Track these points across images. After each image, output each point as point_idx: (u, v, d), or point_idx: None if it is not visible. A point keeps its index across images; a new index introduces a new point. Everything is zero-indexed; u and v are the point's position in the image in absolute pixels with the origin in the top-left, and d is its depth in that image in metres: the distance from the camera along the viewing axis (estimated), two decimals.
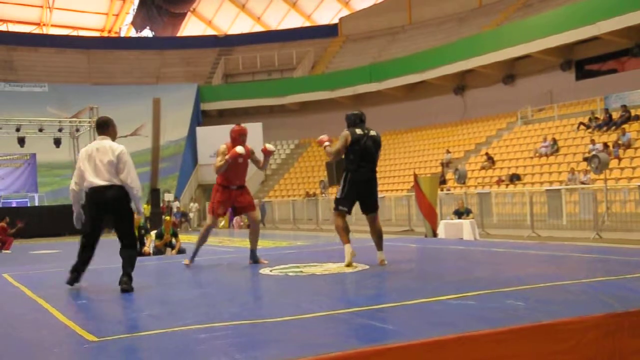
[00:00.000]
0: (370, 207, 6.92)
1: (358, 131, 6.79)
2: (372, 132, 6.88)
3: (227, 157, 7.23)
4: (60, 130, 26.73)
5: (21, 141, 25.82)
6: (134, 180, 5.67)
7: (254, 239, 7.61)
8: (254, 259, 7.49)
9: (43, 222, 24.34)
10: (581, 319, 3.65)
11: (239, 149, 7.20)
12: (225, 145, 7.36)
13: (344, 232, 6.84)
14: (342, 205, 6.92)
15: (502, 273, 6.15)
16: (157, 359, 3.19)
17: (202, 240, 7.73)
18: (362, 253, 7.03)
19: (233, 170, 7.42)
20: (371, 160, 6.84)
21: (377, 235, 6.96)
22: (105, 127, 5.88)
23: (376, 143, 6.89)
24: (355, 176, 6.83)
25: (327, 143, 7.16)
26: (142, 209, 5.93)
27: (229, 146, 7.34)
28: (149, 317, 4.50)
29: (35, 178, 31.63)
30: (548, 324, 3.57)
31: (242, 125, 7.54)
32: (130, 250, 5.73)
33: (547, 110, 25.50)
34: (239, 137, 7.37)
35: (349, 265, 6.58)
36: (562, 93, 25.48)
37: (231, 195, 7.49)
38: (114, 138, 5.92)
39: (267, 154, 7.65)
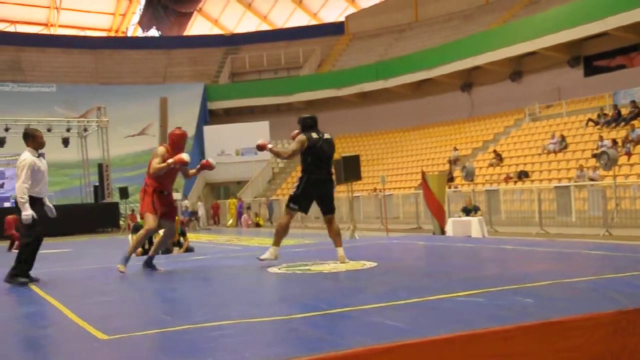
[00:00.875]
0: (330, 208, 7.03)
1: (314, 135, 6.88)
2: (327, 136, 6.99)
3: (170, 161, 6.88)
4: (68, 130, 26.85)
5: None
6: (17, 189, 6.45)
7: (160, 246, 7.63)
8: (150, 265, 7.19)
9: (52, 221, 24.41)
10: (590, 316, 3.64)
11: (186, 156, 6.96)
12: (164, 148, 7.03)
13: (283, 234, 6.99)
14: (294, 203, 6.92)
15: (511, 270, 6.14)
16: (166, 356, 3.20)
17: (139, 245, 7.39)
18: (369, 250, 7.03)
19: (170, 176, 7.20)
20: (327, 162, 6.98)
21: (337, 234, 6.99)
22: (25, 138, 6.65)
23: (331, 146, 7.03)
24: (313, 178, 6.87)
25: (270, 145, 7.17)
26: (25, 213, 6.33)
27: (168, 150, 7.03)
28: (158, 315, 4.52)
29: None
30: (557, 321, 3.56)
31: (183, 130, 7.32)
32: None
33: (555, 106, 25.39)
34: (180, 142, 7.11)
35: (262, 260, 6.90)
36: (571, 89, 25.36)
37: (166, 201, 7.20)
38: (35, 148, 6.63)
39: (205, 167, 7.45)
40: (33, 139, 6.62)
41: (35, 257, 6.68)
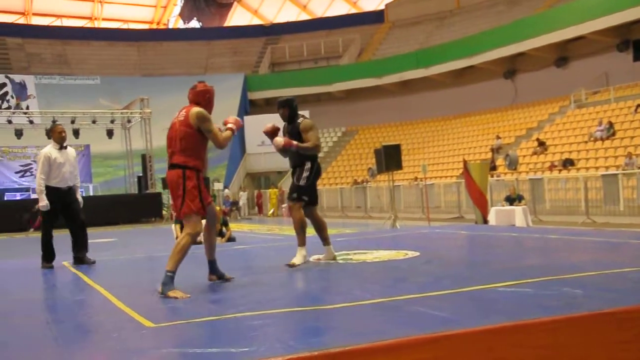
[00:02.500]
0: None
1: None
2: None
3: (231, 126, 5.28)
4: (112, 121, 27.36)
5: (76, 133, 26.53)
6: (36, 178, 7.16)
7: (212, 241, 5.73)
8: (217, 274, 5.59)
9: (98, 211, 25.00)
10: None
11: (238, 120, 5.44)
12: (203, 110, 5.09)
13: (303, 230, 6.27)
14: (306, 195, 6.26)
15: (557, 260, 6.01)
16: (212, 344, 3.23)
17: (183, 257, 5.06)
18: (410, 240, 6.97)
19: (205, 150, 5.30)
20: None
21: (324, 228, 6.42)
22: (48, 133, 7.19)
23: None
24: (317, 165, 6.39)
25: (294, 142, 6.17)
26: (40, 203, 7.10)
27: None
28: (203, 304, 4.57)
29: (90, 169, 32.48)
30: (609, 312, 3.47)
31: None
32: None
33: (603, 93, 24.72)
34: (213, 100, 5.35)
35: (294, 265, 6.08)
36: (619, 75, 24.64)
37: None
38: (55, 141, 7.22)
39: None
40: (53, 133, 7.34)
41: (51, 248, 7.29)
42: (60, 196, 7.08)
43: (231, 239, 12.47)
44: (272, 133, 6.32)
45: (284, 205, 28.65)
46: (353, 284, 5.07)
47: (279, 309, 4.02)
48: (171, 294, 4.69)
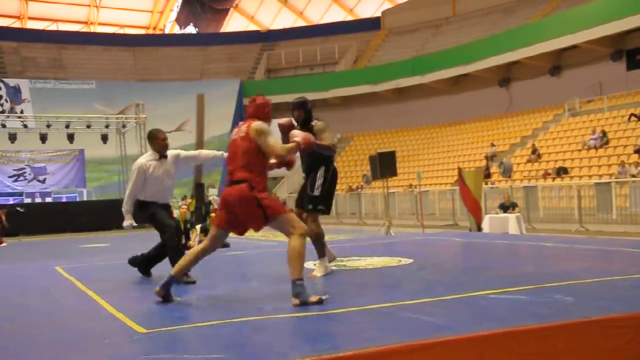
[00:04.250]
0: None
1: None
2: None
3: (298, 139, 4.91)
4: (107, 126, 27.31)
5: (70, 137, 26.48)
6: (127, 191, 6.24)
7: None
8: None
9: (92, 216, 24.95)
10: (634, 315, 3.55)
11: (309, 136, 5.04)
12: (264, 124, 4.89)
13: (320, 241, 5.83)
14: (322, 204, 5.85)
15: (550, 268, 6.03)
16: (205, 351, 3.23)
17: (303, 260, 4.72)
18: (404, 247, 6.98)
19: None
20: None
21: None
22: (148, 140, 6.32)
23: None
24: (334, 168, 5.99)
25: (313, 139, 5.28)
26: (125, 223, 6.19)
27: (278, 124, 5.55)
28: (196, 310, 4.57)
29: (84, 173, 32.42)
30: (599, 319, 3.49)
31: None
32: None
33: (596, 101, 24.85)
34: (271, 113, 5.09)
35: (318, 277, 5.71)
36: (612, 84, 24.78)
37: None
38: (154, 149, 6.22)
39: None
40: (154, 140, 6.22)
41: (159, 260, 6.39)
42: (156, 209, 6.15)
43: (225, 245, 12.45)
44: (288, 127, 5.73)
45: None
46: (347, 290, 5.08)
47: (273, 315, 4.02)
48: (312, 299, 4.36)
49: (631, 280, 4.82)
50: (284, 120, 5.86)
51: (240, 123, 4.99)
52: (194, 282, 5.75)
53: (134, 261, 6.49)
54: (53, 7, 43.42)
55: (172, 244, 6.10)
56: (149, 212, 6.13)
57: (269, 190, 4.83)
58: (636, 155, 18.61)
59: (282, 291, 5.31)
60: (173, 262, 5.59)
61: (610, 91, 24.57)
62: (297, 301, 4.37)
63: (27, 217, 23.88)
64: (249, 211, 4.68)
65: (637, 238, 12.35)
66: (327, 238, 6.18)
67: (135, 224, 6.17)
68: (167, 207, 6.34)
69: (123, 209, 6.16)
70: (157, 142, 6.20)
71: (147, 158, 6.19)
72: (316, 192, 5.85)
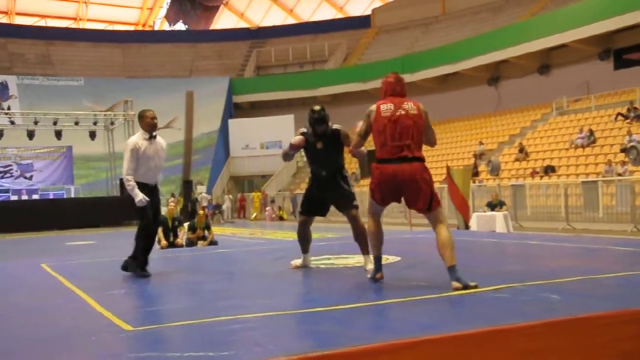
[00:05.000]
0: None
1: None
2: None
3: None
4: (95, 123, 27.18)
5: (58, 134, 26.33)
6: (123, 172, 6.07)
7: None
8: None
9: (79, 214, 24.82)
10: (619, 313, 3.58)
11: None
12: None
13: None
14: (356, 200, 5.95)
15: (537, 266, 6.07)
16: (191, 348, 3.22)
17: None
18: (392, 245, 7.00)
19: None
20: None
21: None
22: (138, 119, 6.33)
23: None
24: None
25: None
26: (137, 196, 5.98)
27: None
28: (183, 308, 4.56)
29: (72, 170, 32.23)
30: (584, 317, 3.51)
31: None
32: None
33: (584, 100, 25.02)
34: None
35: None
36: (600, 83, 24.95)
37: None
38: (143, 128, 6.24)
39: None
40: (143, 120, 6.25)
41: (149, 249, 6.29)
42: (147, 194, 6.09)
43: (213, 243, 12.44)
44: (299, 146, 6.00)
45: (267, 209, 28.63)
46: (334, 288, 5.09)
47: (259, 313, 4.02)
48: (471, 283, 4.53)
49: (617, 278, 4.86)
50: (298, 140, 5.94)
51: (396, 101, 4.94)
52: (149, 276, 5.98)
53: (126, 267, 6.36)
54: (41, 3, 43.13)
55: (143, 233, 6.14)
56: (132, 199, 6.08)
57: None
58: (622, 154, 18.75)
59: (269, 289, 5.31)
60: (140, 250, 6.02)
61: (597, 90, 24.74)
62: (459, 284, 4.47)
63: (13, 214, 23.73)
64: (423, 190, 4.76)
65: (622, 236, 12.47)
66: (317, 236, 6.19)
67: (147, 199, 6.03)
68: (155, 189, 6.32)
69: (128, 188, 6.02)
70: (146, 120, 6.22)
71: (138, 137, 6.18)
72: (352, 189, 6.03)
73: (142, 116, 6.29)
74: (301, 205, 6.27)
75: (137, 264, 6.13)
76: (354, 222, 5.87)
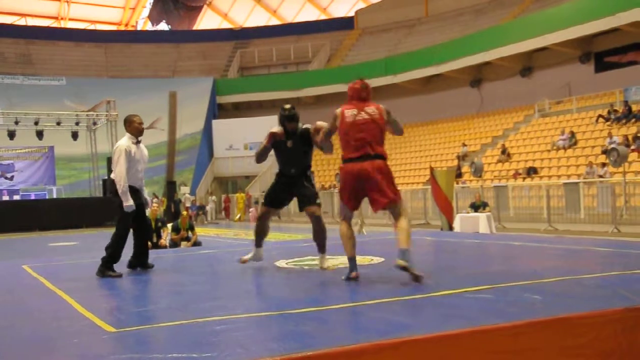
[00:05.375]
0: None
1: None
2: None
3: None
4: (77, 123, 26.97)
5: (39, 134, 26.09)
6: (116, 175, 6.17)
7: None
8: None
9: (61, 214, 24.60)
10: (599, 313, 3.62)
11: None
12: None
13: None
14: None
15: (519, 266, 6.12)
16: (174, 350, 3.21)
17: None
18: (376, 246, 7.02)
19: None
20: None
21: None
22: (124, 124, 6.46)
23: None
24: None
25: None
26: (127, 201, 6.14)
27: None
28: (166, 309, 4.54)
29: (54, 171, 31.95)
30: (565, 317, 3.55)
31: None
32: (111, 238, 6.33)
33: (565, 102, 25.27)
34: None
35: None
36: (581, 85, 25.23)
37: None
38: (131, 132, 6.42)
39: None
40: (130, 124, 6.43)
41: (146, 250, 6.58)
42: (134, 196, 6.25)
43: (197, 244, 12.40)
44: (281, 137, 6.15)
45: (251, 210, 28.55)
46: (317, 289, 5.10)
47: (243, 314, 4.02)
48: (416, 272, 4.88)
49: (597, 278, 4.92)
50: (279, 130, 6.12)
51: (359, 106, 5.28)
52: (120, 276, 6.10)
53: (131, 265, 6.53)
54: (22, 1, 42.68)
55: (120, 234, 6.25)
56: (119, 203, 6.20)
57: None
58: (603, 156, 18.97)
59: (252, 290, 5.31)
60: (108, 250, 6.15)
61: (578, 92, 25.01)
62: (404, 263, 4.88)
63: None
64: (388, 183, 5.13)
65: (603, 237, 12.60)
66: (300, 237, 6.22)
67: (134, 207, 6.21)
68: (140, 191, 6.45)
69: (120, 192, 6.14)
70: (133, 125, 6.40)
71: (127, 142, 6.32)
72: (315, 189, 6.27)
73: (129, 121, 6.42)
74: (265, 197, 6.44)
75: (107, 266, 6.19)
76: (317, 220, 6.11)
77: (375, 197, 5.13)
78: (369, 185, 5.10)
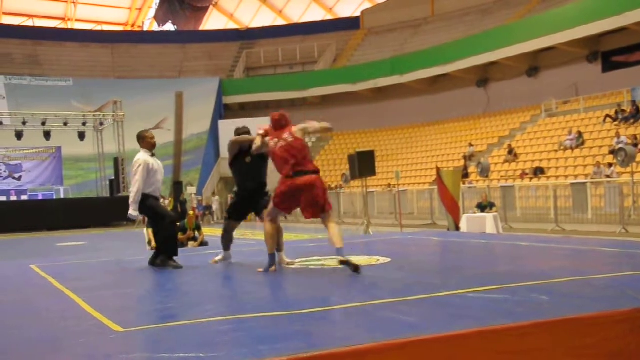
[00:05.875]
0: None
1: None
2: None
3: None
4: (84, 123, 27.07)
5: (47, 135, 26.19)
6: (133, 186, 6.68)
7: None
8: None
9: (68, 214, 24.69)
10: (607, 314, 3.61)
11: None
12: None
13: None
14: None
15: (526, 267, 6.10)
16: (180, 350, 3.22)
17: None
18: (382, 246, 7.01)
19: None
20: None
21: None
22: (137, 140, 6.97)
23: None
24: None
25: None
26: (131, 213, 6.65)
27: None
28: (173, 309, 4.55)
29: (61, 171, 32.06)
30: (573, 318, 3.53)
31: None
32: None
33: (573, 102, 25.17)
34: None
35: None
36: (588, 85, 25.12)
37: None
38: (147, 148, 6.92)
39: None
40: (143, 140, 6.94)
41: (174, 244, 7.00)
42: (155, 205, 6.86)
43: (204, 244, 12.41)
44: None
45: None
46: (324, 289, 5.09)
47: (249, 314, 4.02)
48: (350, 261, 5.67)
49: (605, 279, 4.89)
50: (265, 126, 6.48)
51: (277, 135, 6.00)
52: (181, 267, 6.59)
53: (153, 262, 6.82)
54: (29, 3, 42.82)
55: (169, 233, 6.77)
56: (148, 204, 6.70)
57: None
58: (611, 156, 18.88)
59: (258, 290, 5.31)
60: (163, 249, 6.73)
61: (586, 92, 24.90)
62: (344, 259, 5.61)
63: (2, 215, 23.57)
64: (321, 197, 5.86)
65: (611, 237, 12.55)
66: (307, 237, 6.29)
67: (139, 217, 6.78)
68: (158, 200, 7.04)
69: (131, 200, 6.62)
70: (147, 140, 6.92)
71: (145, 156, 6.80)
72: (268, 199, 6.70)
73: (142, 137, 6.95)
74: (232, 213, 7.01)
75: (164, 257, 6.70)
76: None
77: (311, 208, 5.87)
78: (306, 197, 5.83)
